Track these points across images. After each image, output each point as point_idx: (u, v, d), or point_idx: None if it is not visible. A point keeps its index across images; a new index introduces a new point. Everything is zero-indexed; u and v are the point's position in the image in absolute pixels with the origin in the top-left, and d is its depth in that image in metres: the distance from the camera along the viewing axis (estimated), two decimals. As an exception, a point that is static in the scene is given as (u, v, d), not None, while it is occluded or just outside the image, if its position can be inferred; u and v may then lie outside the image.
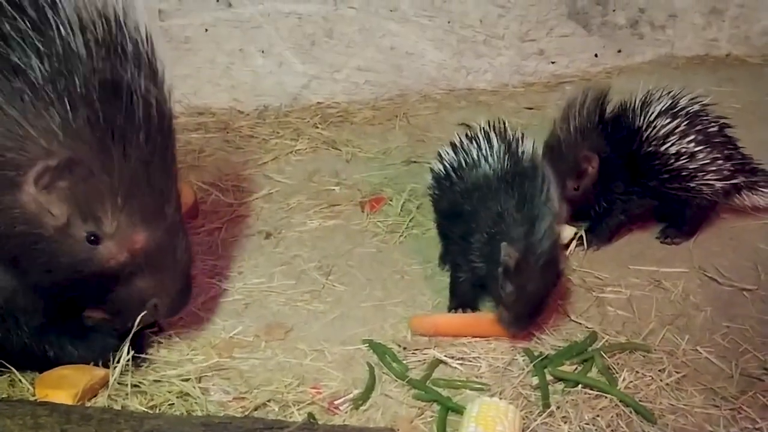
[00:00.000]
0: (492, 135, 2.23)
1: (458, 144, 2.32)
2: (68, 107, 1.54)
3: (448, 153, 2.34)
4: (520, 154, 2.12)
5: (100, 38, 1.58)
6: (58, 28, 1.54)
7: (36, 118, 1.53)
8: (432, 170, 2.40)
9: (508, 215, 1.98)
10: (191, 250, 1.88)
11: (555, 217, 1.94)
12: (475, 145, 2.25)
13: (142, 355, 1.91)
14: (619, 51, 3.96)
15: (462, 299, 2.14)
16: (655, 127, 2.37)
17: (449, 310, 2.13)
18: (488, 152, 2.18)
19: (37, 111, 1.53)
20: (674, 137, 2.35)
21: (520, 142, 2.21)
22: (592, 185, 2.40)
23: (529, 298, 1.94)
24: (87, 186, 1.61)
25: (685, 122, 2.37)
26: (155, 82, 1.69)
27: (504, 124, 2.32)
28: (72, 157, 1.57)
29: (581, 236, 2.44)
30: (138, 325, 1.81)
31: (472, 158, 2.22)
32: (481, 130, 2.29)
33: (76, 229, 1.65)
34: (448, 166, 2.30)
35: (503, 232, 1.96)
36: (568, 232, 2.42)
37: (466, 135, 2.34)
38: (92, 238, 1.66)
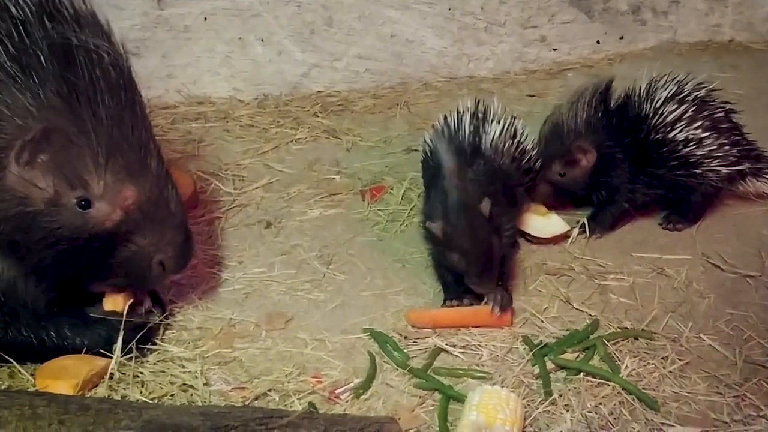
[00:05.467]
0: (465, 119, 2.22)
1: (434, 132, 2.32)
2: (35, 80, 1.55)
3: (429, 140, 2.34)
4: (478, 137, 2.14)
5: (38, 6, 1.60)
6: (8, 6, 1.57)
7: (10, 98, 1.54)
8: (421, 159, 2.41)
9: (435, 199, 2.03)
10: (183, 203, 1.87)
11: (459, 171, 1.94)
12: (444, 132, 2.24)
13: (148, 346, 1.90)
14: (622, 37, 3.93)
15: (453, 291, 2.10)
16: (662, 114, 2.34)
17: (443, 304, 2.10)
18: (452, 139, 2.18)
19: (9, 91, 1.54)
20: (682, 123, 2.33)
21: (492, 125, 2.21)
22: (583, 178, 2.37)
23: (472, 253, 1.92)
24: (67, 152, 1.62)
25: (692, 108, 2.34)
26: (101, 36, 1.69)
27: (484, 105, 2.31)
28: (47, 127, 1.57)
29: (584, 224, 2.42)
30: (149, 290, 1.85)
31: (437, 146, 2.21)
32: (456, 113, 2.30)
33: (66, 198, 1.65)
34: (428, 153, 2.31)
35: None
36: (559, 226, 2.38)
37: (444, 120, 2.34)
38: (83, 202, 1.66)
